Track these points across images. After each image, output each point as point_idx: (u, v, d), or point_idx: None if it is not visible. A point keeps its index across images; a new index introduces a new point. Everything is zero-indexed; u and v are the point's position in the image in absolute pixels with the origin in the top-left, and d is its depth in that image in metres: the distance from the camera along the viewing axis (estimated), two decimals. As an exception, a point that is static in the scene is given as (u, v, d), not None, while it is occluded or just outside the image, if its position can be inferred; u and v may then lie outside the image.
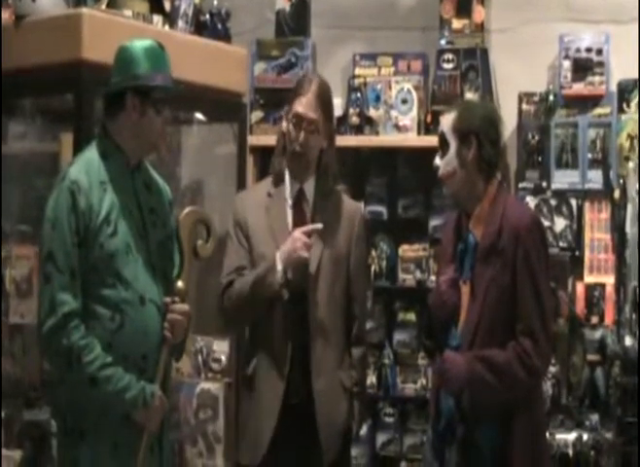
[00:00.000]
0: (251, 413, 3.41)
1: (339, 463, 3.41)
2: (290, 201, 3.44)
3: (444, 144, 3.12)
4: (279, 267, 3.28)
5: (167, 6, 4.22)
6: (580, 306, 4.42)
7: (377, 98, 4.76)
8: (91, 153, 2.95)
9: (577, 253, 4.48)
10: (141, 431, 2.87)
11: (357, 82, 4.80)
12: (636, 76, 4.38)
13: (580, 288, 4.43)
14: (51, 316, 2.77)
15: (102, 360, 2.79)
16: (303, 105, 3.37)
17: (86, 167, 2.89)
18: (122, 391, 2.81)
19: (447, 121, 3.12)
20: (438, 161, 3.13)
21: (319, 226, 3.33)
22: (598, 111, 4.51)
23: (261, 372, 3.39)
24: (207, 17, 4.41)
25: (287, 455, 3.35)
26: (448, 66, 4.69)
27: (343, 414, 3.40)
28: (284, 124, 3.45)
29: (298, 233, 3.29)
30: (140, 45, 2.95)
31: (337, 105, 4.82)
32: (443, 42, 4.72)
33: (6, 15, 3.99)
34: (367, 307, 3.71)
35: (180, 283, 2.98)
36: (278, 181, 3.46)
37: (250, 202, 3.48)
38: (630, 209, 4.29)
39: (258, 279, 3.32)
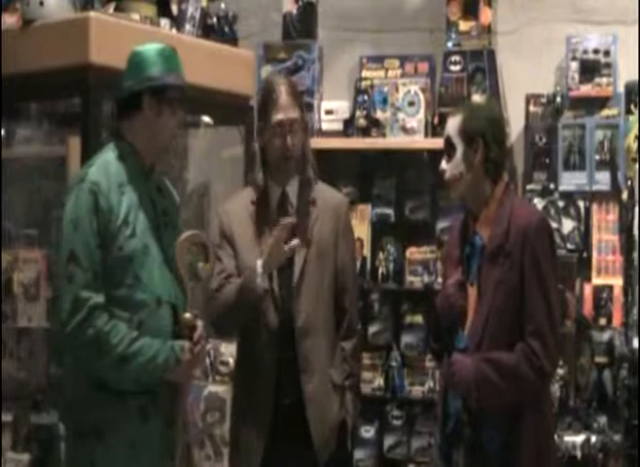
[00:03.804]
0: (243, 419, 3.38)
1: (339, 460, 3.39)
2: (274, 207, 3.40)
3: (449, 147, 3.10)
4: (259, 270, 3.23)
5: (175, 9, 4.24)
6: (587, 308, 4.39)
7: (384, 100, 4.74)
8: (109, 155, 2.97)
9: (584, 255, 4.46)
10: (158, 428, 2.88)
11: (364, 84, 4.79)
12: (643, 77, 4.38)
13: (587, 290, 4.41)
14: (75, 314, 2.77)
15: (129, 337, 2.81)
16: (281, 110, 3.33)
17: (104, 169, 2.91)
18: (153, 358, 2.83)
19: (453, 124, 3.10)
20: (444, 164, 3.12)
21: (290, 220, 3.26)
22: (606, 112, 4.49)
23: (249, 375, 3.37)
24: (214, 20, 4.43)
25: (282, 457, 3.32)
26: (455, 68, 4.67)
27: (335, 412, 3.37)
28: (261, 138, 3.40)
29: (275, 232, 3.25)
30: (152, 47, 2.98)
31: (345, 108, 4.87)
32: (449, 44, 4.70)
33: (13, 19, 4.00)
34: (357, 299, 3.65)
35: (187, 315, 2.95)
36: (261, 190, 3.42)
37: (235, 213, 3.43)
38: (638, 210, 4.28)
39: (242, 286, 3.28)
